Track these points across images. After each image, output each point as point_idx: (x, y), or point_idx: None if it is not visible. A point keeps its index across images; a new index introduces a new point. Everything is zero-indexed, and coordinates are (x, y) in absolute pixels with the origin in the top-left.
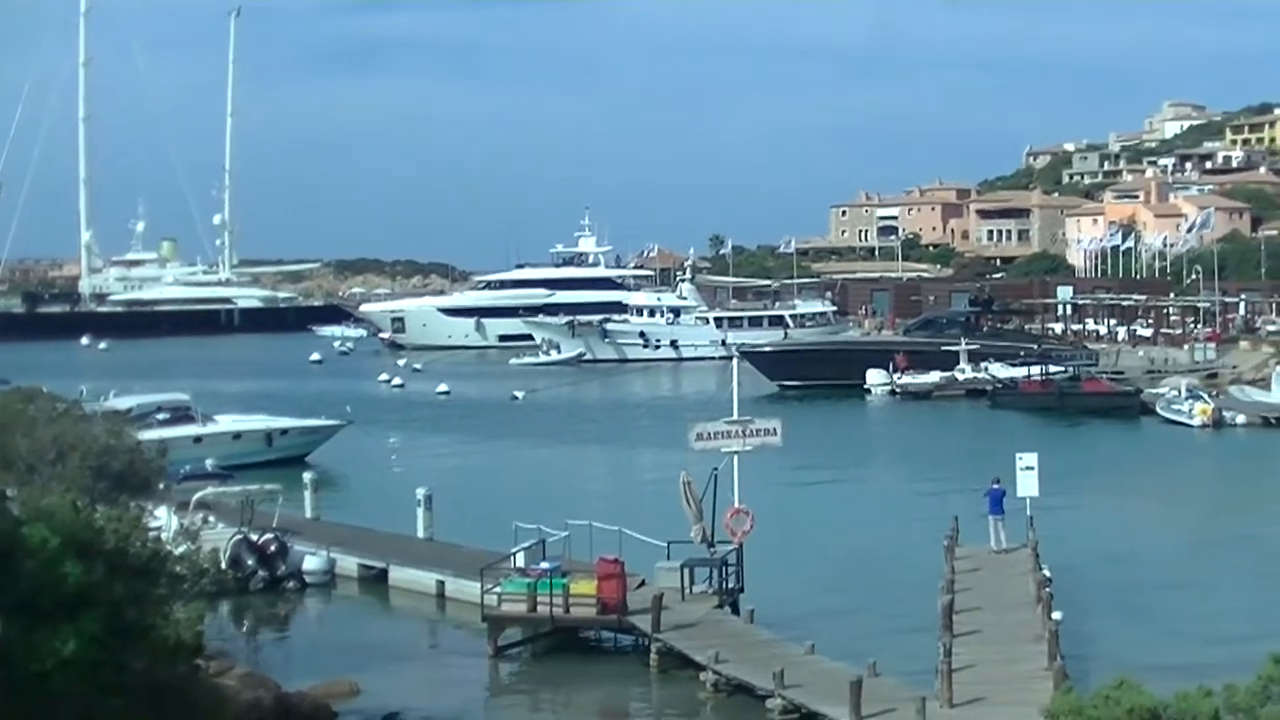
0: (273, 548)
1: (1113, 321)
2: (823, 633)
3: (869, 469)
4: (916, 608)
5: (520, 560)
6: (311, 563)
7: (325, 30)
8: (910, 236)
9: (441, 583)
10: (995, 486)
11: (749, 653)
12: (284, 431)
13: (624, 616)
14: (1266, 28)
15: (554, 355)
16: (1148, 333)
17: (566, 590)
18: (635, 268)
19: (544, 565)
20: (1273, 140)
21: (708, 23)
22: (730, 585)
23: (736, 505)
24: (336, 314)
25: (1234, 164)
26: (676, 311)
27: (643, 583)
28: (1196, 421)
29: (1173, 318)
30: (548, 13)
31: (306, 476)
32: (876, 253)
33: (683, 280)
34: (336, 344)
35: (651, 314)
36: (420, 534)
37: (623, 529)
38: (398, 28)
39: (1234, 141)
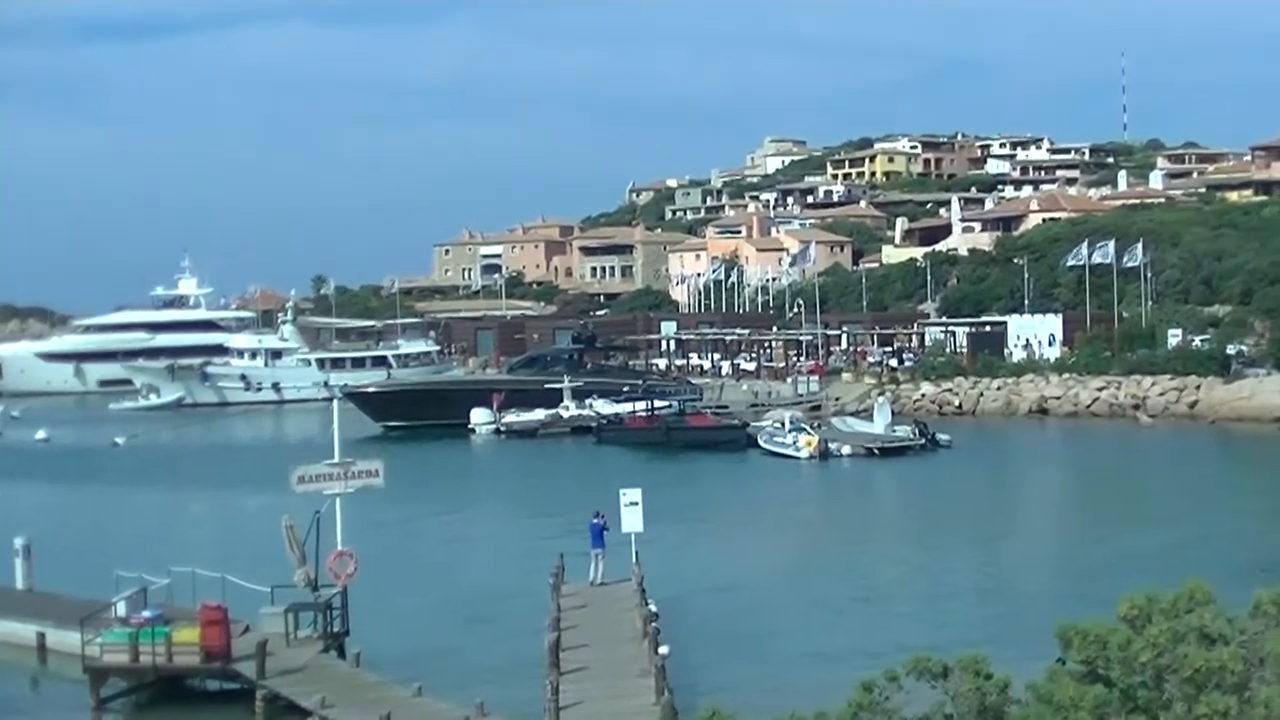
0: None
1: (716, 356)
2: (431, 674)
3: (476, 508)
4: (524, 646)
5: (122, 609)
6: None
7: None
8: (514, 274)
9: (42, 634)
10: (595, 520)
11: (356, 696)
12: None
13: (228, 663)
14: (867, 65)
15: (154, 399)
16: (751, 366)
17: (169, 639)
18: (237, 309)
19: (146, 614)
20: (873, 175)
21: (304, 57)
22: (336, 629)
23: (340, 548)
24: None
25: (835, 198)
26: (278, 353)
27: (247, 629)
28: (801, 453)
29: (776, 351)
30: (142, 50)
31: None
32: (480, 291)
33: (284, 322)
34: None
35: (253, 356)
36: (19, 584)
37: (226, 575)
38: None
39: (835, 176)
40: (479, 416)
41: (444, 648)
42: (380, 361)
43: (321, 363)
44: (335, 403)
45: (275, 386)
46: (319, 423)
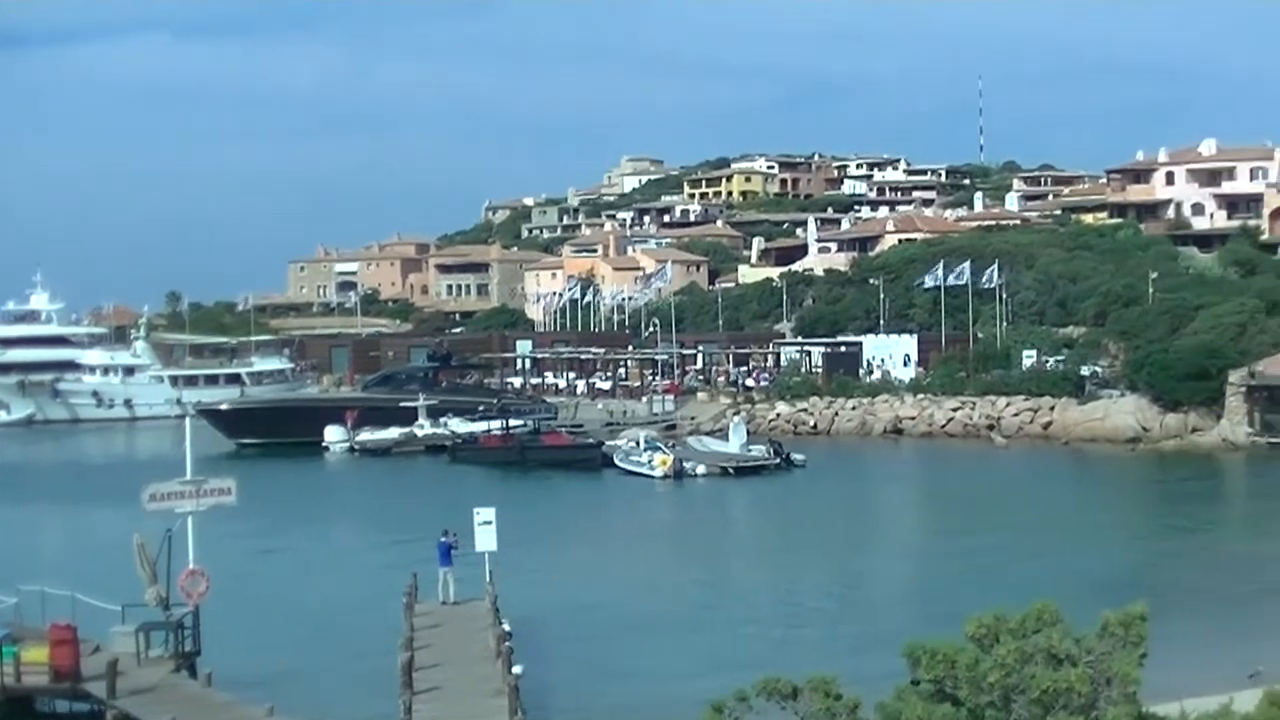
0: None
1: (572, 375)
2: (283, 694)
3: (329, 527)
4: (377, 665)
5: None
6: None
7: None
8: (370, 292)
9: None
10: (444, 539)
11: (208, 716)
12: None
13: (78, 684)
14: (725, 85)
15: (4, 416)
16: (607, 385)
17: (17, 659)
18: (90, 325)
19: None
20: (729, 194)
21: (163, 70)
22: (187, 648)
23: (192, 567)
24: None
25: (691, 218)
26: (131, 370)
27: (97, 648)
28: (656, 472)
29: (631, 370)
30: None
31: None
32: (336, 308)
33: (138, 338)
34: None
35: (105, 373)
36: None
37: (76, 593)
38: None
39: (692, 195)
40: (333, 434)
41: (296, 667)
42: (234, 379)
43: (175, 380)
44: (188, 420)
45: (128, 403)
46: (172, 440)
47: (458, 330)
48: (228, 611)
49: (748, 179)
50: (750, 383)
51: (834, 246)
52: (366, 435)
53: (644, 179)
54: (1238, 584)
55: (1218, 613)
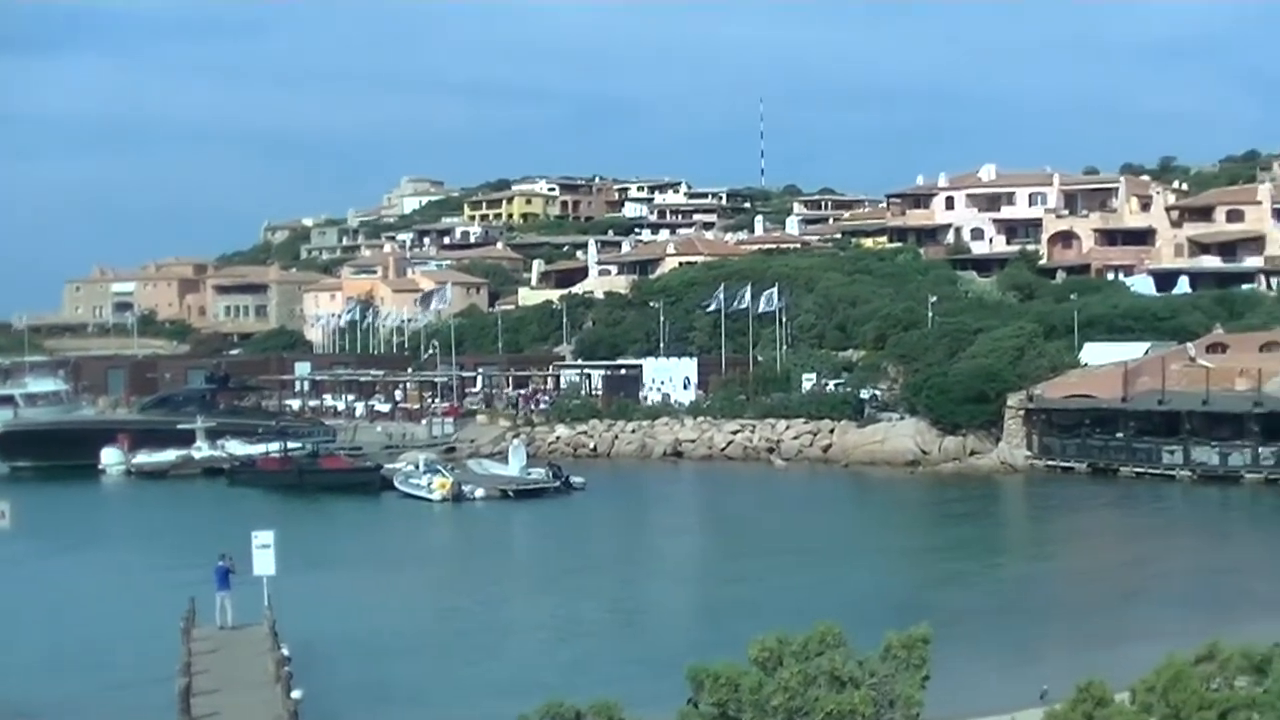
0: None
1: (351, 397)
2: None
3: (105, 551)
4: (155, 692)
5: None
6: None
7: None
8: (147, 312)
9: None
10: (221, 563)
11: None
12: None
13: None
14: (506, 107)
15: None
16: (386, 408)
17: None
18: None
19: None
20: (510, 216)
21: None
22: None
23: None
24: None
25: (472, 239)
26: None
27: None
28: (436, 495)
29: (411, 393)
30: None
31: None
32: (112, 329)
33: None
34: None
35: None
36: None
37: None
38: None
39: (472, 217)
40: (109, 457)
41: (70, 695)
42: (7, 400)
43: None
44: None
45: None
46: None
47: (236, 352)
48: None
49: (528, 201)
50: (530, 405)
51: (614, 269)
52: (143, 458)
53: (424, 200)
54: (1020, 604)
55: (1002, 633)
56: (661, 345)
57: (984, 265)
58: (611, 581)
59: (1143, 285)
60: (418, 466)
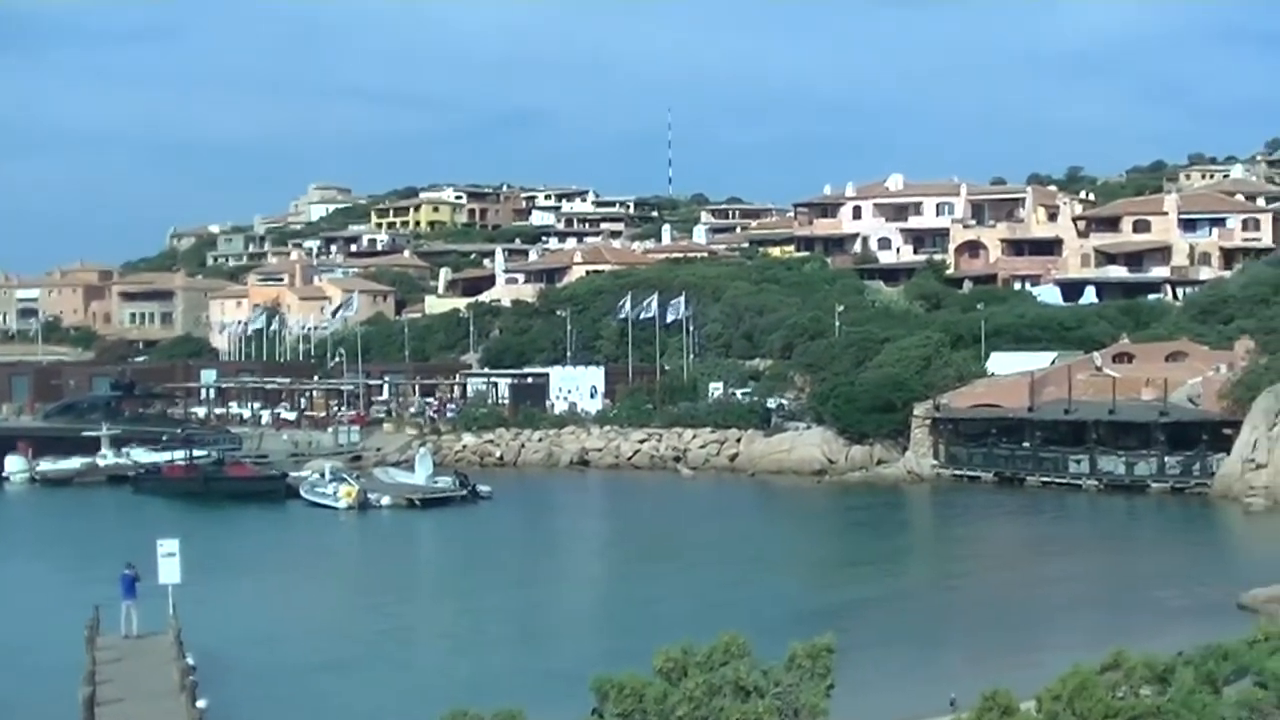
0: None
1: (257, 405)
2: None
3: (7, 560)
4: (58, 702)
5: None
6: None
7: None
8: (51, 319)
9: None
10: (127, 571)
11: None
12: None
13: None
14: (413, 114)
15: None
16: (292, 416)
17: None
18: None
19: None
20: (417, 224)
21: None
22: None
23: None
24: None
25: (379, 247)
26: None
27: None
28: (341, 504)
29: (317, 400)
30: None
31: None
32: (16, 335)
33: None
34: None
35: None
36: None
37: None
38: None
39: (379, 225)
40: (12, 464)
41: None
42: None
43: None
44: None
45: None
46: None
47: (141, 359)
48: None
49: (436, 209)
50: (436, 414)
51: (521, 277)
52: (47, 465)
53: (331, 208)
54: (927, 613)
55: (908, 642)
56: (568, 354)
57: (891, 275)
58: (517, 591)
59: (1049, 295)
60: (323, 475)
